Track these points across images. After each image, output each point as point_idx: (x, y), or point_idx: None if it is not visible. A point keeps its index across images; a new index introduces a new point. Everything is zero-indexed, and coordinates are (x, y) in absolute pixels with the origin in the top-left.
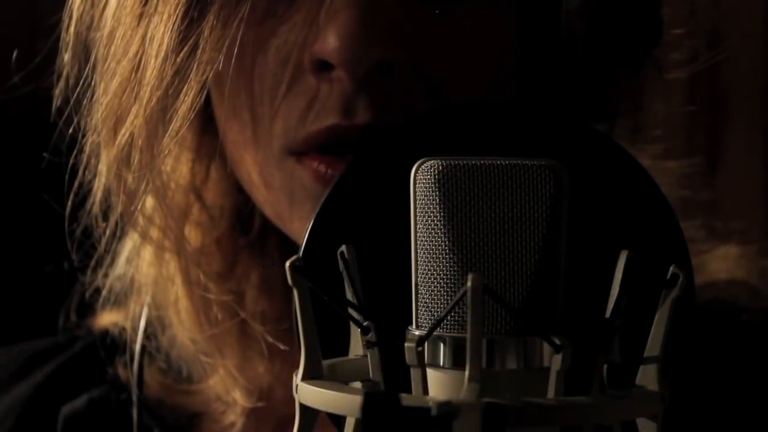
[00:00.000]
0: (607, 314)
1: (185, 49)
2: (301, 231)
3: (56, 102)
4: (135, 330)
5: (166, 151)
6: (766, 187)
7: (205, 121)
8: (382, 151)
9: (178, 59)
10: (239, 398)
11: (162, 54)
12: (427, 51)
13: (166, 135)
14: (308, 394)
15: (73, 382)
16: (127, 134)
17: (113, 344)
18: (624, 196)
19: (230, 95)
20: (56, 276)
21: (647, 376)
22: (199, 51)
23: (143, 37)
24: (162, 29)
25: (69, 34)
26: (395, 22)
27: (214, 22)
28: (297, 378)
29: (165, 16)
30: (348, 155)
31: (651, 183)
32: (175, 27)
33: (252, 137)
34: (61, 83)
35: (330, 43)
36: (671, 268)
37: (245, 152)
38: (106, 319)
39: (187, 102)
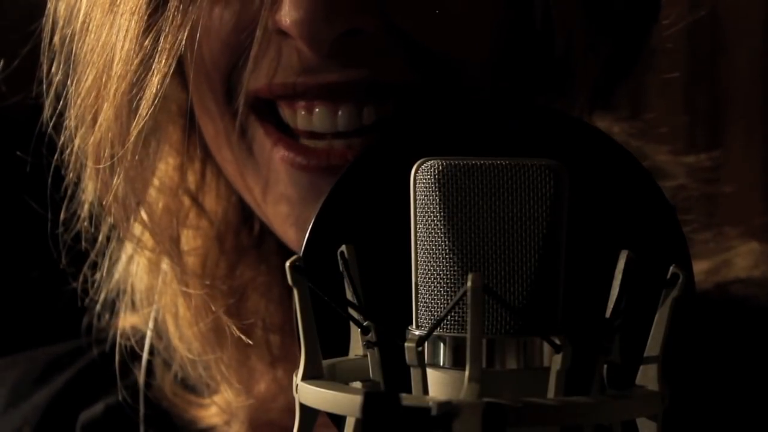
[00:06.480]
0: (607, 314)
1: (150, 36)
2: (276, 218)
3: (47, 111)
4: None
5: (135, 141)
6: (765, 186)
7: (191, 121)
8: (381, 151)
9: (144, 47)
10: (238, 403)
11: (128, 43)
12: (398, 9)
13: (133, 124)
14: (308, 394)
15: (91, 388)
16: (102, 128)
17: (131, 350)
18: (624, 195)
19: (196, 62)
20: (45, 281)
21: (647, 376)
22: (162, 37)
23: (111, 29)
24: (128, 18)
25: (54, 41)
26: None
27: (178, 4)
28: (297, 378)
29: (130, 5)
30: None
31: (651, 183)
32: (141, 15)
33: (215, 101)
34: (50, 90)
35: (291, 15)
36: (671, 268)
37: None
38: (126, 321)
39: (152, 88)
